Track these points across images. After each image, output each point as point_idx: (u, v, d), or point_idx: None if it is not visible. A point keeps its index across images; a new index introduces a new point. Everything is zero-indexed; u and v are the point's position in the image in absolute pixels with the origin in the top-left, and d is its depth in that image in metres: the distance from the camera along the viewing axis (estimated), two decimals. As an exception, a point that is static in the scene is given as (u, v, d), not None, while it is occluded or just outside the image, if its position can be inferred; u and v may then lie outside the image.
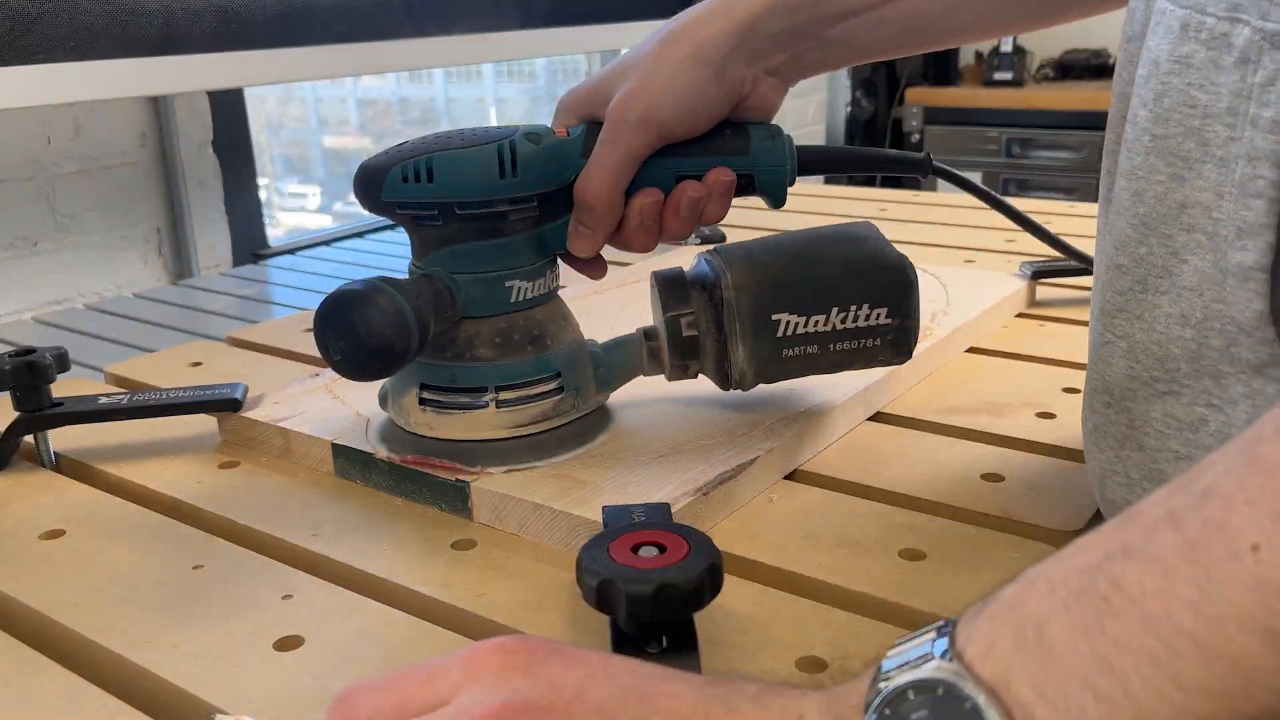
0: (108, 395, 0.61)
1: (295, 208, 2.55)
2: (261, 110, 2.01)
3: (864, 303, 0.55)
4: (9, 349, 0.59)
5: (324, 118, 2.59)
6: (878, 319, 0.55)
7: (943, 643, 0.27)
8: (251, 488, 0.57)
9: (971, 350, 0.73)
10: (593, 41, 1.98)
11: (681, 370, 0.57)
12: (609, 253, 0.57)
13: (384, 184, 0.52)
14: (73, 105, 1.34)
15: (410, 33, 1.53)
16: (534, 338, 0.54)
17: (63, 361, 0.59)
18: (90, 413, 0.59)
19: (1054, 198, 2.25)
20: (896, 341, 0.56)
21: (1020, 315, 0.81)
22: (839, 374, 0.58)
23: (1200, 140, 0.36)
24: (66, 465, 0.61)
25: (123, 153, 1.41)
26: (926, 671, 0.26)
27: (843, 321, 0.55)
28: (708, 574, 0.38)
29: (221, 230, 1.53)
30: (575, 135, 0.54)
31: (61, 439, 0.62)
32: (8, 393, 0.59)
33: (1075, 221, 1.09)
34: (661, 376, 0.59)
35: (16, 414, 0.59)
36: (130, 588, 0.47)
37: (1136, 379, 0.38)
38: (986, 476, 0.54)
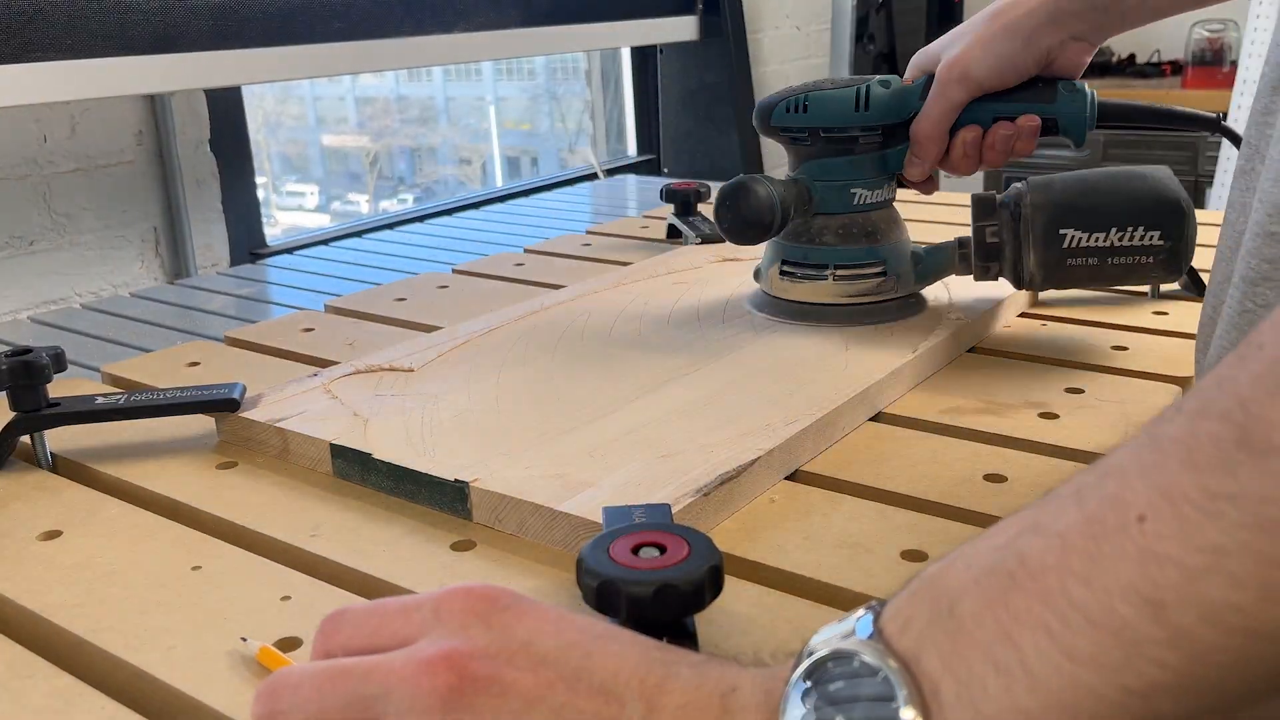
0: (105, 395, 0.61)
1: (293, 207, 2.55)
2: (259, 109, 2.01)
3: (1140, 225, 0.66)
4: (5, 349, 0.59)
5: (322, 116, 2.59)
6: (1151, 240, 0.66)
7: (868, 619, 0.28)
8: (249, 488, 0.57)
9: (974, 350, 0.73)
10: (592, 39, 1.98)
11: (984, 271, 0.71)
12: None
13: (773, 113, 0.71)
14: (69, 104, 1.34)
15: (409, 31, 1.53)
16: (868, 232, 0.73)
17: (59, 361, 0.59)
18: (87, 413, 0.59)
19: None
20: (1168, 261, 0.66)
21: (1022, 315, 0.81)
22: (847, 367, 0.58)
23: None
24: (63, 466, 0.61)
25: (119, 151, 1.41)
26: (847, 645, 0.28)
27: (1120, 240, 0.66)
28: (708, 575, 0.38)
29: (219, 229, 1.53)
30: (917, 85, 0.71)
31: (58, 439, 0.62)
32: (4, 393, 0.59)
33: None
34: (667, 373, 0.60)
35: (13, 414, 0.59)
36: (127, 588, 0.47)
37: None
38: (989, 477, 0.54)
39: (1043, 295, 0.84)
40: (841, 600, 0.44)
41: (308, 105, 2.50)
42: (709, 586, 0.38)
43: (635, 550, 0.39)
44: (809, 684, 0.27)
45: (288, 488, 0.56)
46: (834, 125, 0.71)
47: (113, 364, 0.77)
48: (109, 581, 0.48)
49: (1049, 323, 0.79)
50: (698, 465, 0.52)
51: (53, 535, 0.52)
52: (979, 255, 0.70)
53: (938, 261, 0.74)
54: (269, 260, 1.32)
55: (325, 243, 1.35)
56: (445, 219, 1.43)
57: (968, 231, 0.72)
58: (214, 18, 1.30)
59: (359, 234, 1.39)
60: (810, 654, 0.28)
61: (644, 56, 2.38)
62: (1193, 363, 0.56)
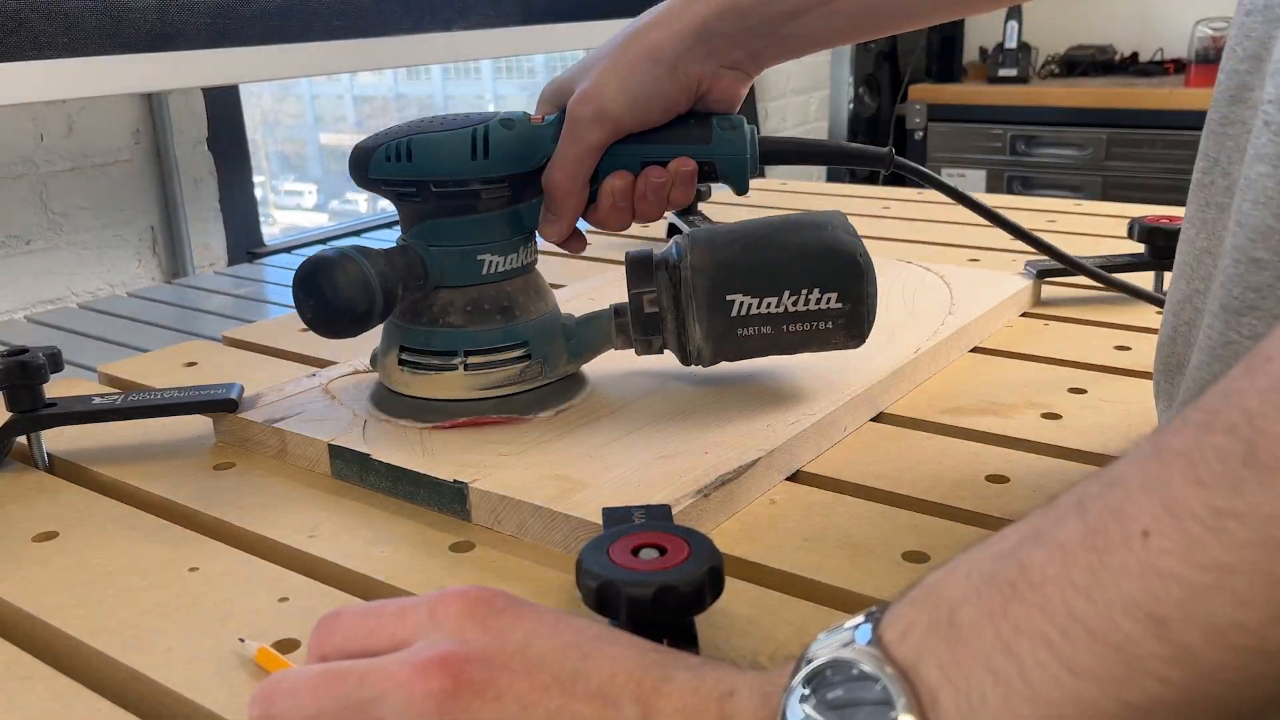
0: (102, 395, 0.61)
1: (291, 206, 2.55)
2: (257, 107, 2.01)
3: (814, 287, 0.58)
4: (2, 349, 0.59)
5: (320, 115, 2.59)
6: (828, 303, 0.58)
7: (867, 627, 0.28)
8: (247, 489, 0.57)
9: (976, 350, 0.73)
10: (592, 37, 1.98)
11: (645, 345, 0.60)
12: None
13: (370, 163, 0.58)
14: (65, 102, 1.34)
15: (408, 29, 1.53)
16: (504, 308, 0.60)
17: (56, 361, 0.59)
18: (84, 413, 0.59)
19: (1060, 195, 2.26)
20: (849, 325, 0.59)
21: (1025, 315, 0.81)
22: (849, 367, 0.59)
23: None
24: (60, 466, 0.61)
25: (116, 150, 1.41)
26: (846, 653, 0.27)
27: (794, 304, 0.58)
28: (709, 576, 0.38)
29: (216, 229, 1.53)
30: (549, 123, 0.59)
31: (55, 440, 0.62)
32: (0, 393, 0.59)
33: (1084, 220, 1.09)
34: (667, 374, 0.60)
35: (9, 414, 0.59)
36: (124, 590, 0.47)
37: None
38: (991, 478, 0.54)
39: (1045, 295, 0.84)
40: (843, 602, 0.44)
41: (306, 104, 2.50)
42: (709, 588, 0.38)
43: (635, 551, 0.39)
44: (807, 690, 0.27)
45: (286, 489, 0.56)
46: (447, 177, 0.57)
47: (110, 364, 0.77)
48: (106, 583, 0.48)
49: (1051, 322, 0.79)
50: (698, 466, 0.52)
51: (49, 536, 0.52)
52: (638, 328, 0.60)
53: (593, 334, 0.62)
54: (267, 260, 1.32)
55: (323, 242, 1.35)
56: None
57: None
58: (211, 16, 1.30)
59: (357, 233, 1.39)
60: (809, 660, 0.28)
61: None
62: None
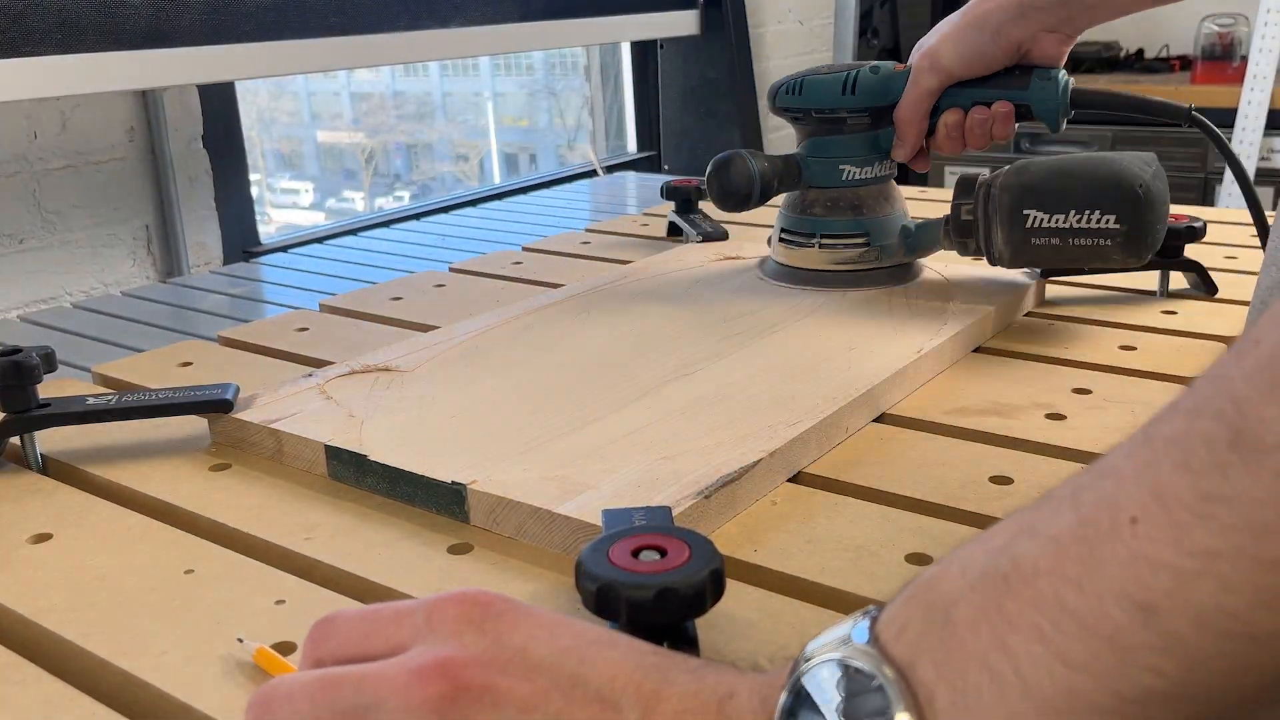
0: (96, 396, 0.61)
1: (288, 204, 2.55)
2: (253, 104, 2.01)
3: (1097, 209, 0.69)
4: (-5, 348, 0.59)
5: (317, 112, 2.59)
6: (1107, 223, 0.69)
7: (864, 625, 0.28)
8: (243, 490, 0.57)
9: (979, 350, 0.73)
10: (591, 34, 1.98)
11: (962, 246, 0.76)
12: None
13: (776, 95, 0.81)
14: (59, 99, 1.34)
15: (405, 25, 1.53)
16: (854, 206, 0.81)
17: (50, 361, 0.59)
18: (78, 414, 0.59)
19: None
20: (1126, 245, 0.69)
21: (1029, 314, 0.81)
22: (851, 368, 0.58)
23: None
24: (54, 467, 0.61)
25: (111, 148, 1.41)
26: (842, 653, 0.28)
27: (1079, 222, 0.69)
28: (710, 579, 0.38)
29: (212, 227, 1.53)
30: (904, 72, 0.79)
31: (49, 441, 0.62)
32: (-7, 393, 0.59)
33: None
34: (666, 374, 0.59)
35: (2, 415, 0.59)
36: (118, 592, 0.47)
37: None
38: (995, 479, 0.54)
39: (1050, 294, 0.84)
40: (845, 604, 0.44)
41: (302, 101, 2.50)
42: (710, 590, 0.38)
43: (635, 553, 0.39)
44: (805, 692, 0.28)
45: (282, 490, 0.56)
46: (824, 107, 0.79)
47: (104, 364, 0.77)
48: (100, 585, 0.48)
49: (1056, 322, 0.79)
50: (699, 467, 0.52)
51: (43, 538, 0.52)
52: (955, 231, 0.76)
53: (927, 236, 0.80)
54: (263, 259, 1.32)
55: (320, 241, 1.35)
56: (442, 216, 1.42)
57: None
58: (207, 12, 1.30)
59: (354, 232, 1.39)
60: (807, 659, 0.28)
61: (644, 51, 2.38)
62: (1201, 364, 0.56)
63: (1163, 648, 0.23)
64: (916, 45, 0.80)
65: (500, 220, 1.36)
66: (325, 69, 1.70)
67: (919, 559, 0.47)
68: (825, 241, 0.81)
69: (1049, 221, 0.70)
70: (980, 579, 0.26)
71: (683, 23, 2.23)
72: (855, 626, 0.29)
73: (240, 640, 0.42)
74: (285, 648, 0.42)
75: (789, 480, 0.56)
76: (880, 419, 0.63)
